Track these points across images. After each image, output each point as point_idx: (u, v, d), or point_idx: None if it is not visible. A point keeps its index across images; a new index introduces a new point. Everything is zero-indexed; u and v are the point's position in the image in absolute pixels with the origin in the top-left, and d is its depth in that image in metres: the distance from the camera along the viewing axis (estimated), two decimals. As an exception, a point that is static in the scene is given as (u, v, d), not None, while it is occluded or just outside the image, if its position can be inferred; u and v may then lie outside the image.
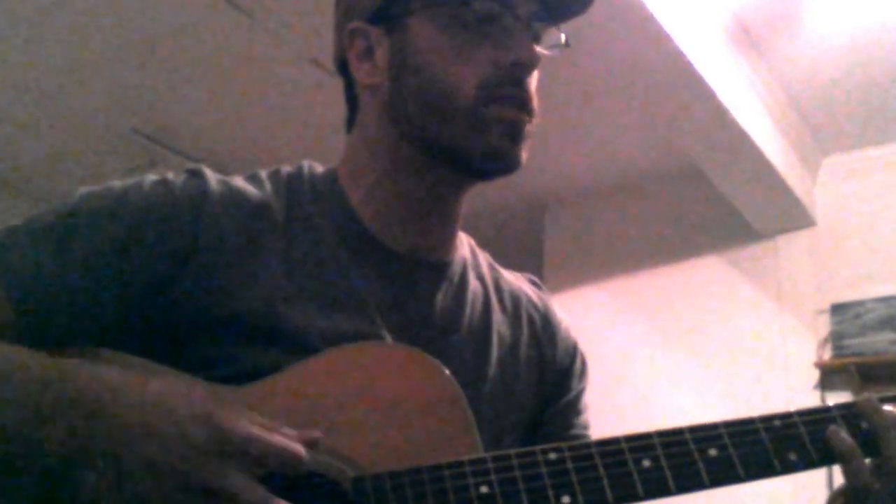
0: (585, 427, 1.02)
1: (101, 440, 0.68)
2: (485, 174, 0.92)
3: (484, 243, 1.05)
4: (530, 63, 0.89)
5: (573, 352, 1.04)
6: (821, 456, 0.83)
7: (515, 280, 1.05)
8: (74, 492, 0.67)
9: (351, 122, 0.98)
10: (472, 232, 1.04)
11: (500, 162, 0.89)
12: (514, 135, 0.89)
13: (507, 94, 0.88)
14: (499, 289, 1.02)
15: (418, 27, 0.89)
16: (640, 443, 0.80)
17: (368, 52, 0.92)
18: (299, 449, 0.71)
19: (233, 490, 0.68)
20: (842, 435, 0.83)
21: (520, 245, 4.32)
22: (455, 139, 0.89)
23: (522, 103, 0.89)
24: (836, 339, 3.64)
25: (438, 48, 0.89)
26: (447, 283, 0.96)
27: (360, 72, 0.93)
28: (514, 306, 1.01)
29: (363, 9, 0.92)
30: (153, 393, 0.71)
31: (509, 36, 0.89)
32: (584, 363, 1.05)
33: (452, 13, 0.88)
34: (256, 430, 0.70)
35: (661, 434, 0.81)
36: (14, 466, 0.67)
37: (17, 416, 0.68)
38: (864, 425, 0.84)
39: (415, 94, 0.89)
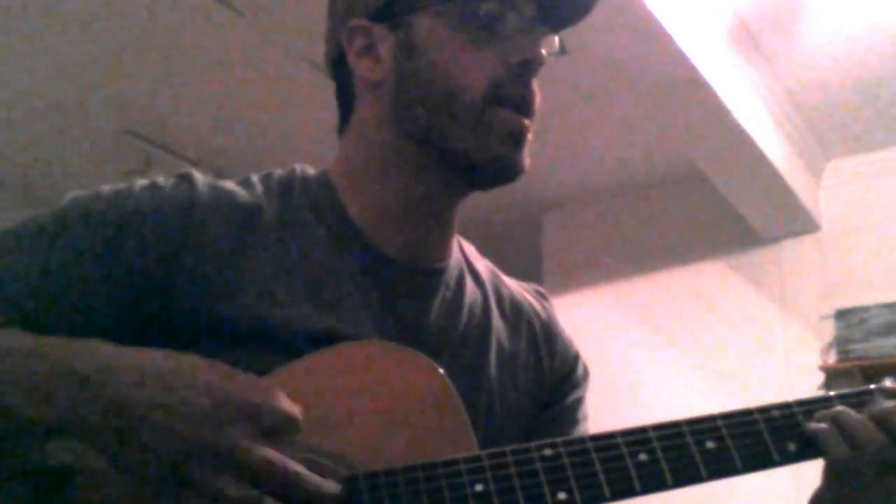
0: None
1: (102, 414, 0.69)
2: (488, 184, 0.92)
3: (482, 246, 1.05)
4: (537, 62, 0.89)
5: (573, 361, 1.03)
6: None
7: (519, 289, 1.04)
8: (72, 468, 0.68)
9: (343, 124, 0.97)
10: (471, 235, 1.03)
11: (505, 170, 0.89)
12: (517, 140, 0.89)
13: (515, 96, 0.89)
14: (499, 296, 1.00)
15: (425, 25, 0.89)
16: (637, 437, 0.79)
17: (370, 49, 0.92)
18: (296, 410, 0.73)
19: (240, 450, 0.69)
20: (813, 425, 0.83)
21: (518, 248, 4.30)
22: (459, 141, 0.88)
23: (526, 106, 0.90)
24: (840, 343, 3.63)
25: (448, 46, 0.88)
26: (442, 288, 0.95)
27: (362, 68, 0.92)
28: (515, 314, 1.00)
29: (364, 6, 0.92)
30: (152, 365, 0.73)
31: (515, 36, 0.89)
32: (585, 373, 1.04)
33: (460, 12, 0.88)
34: (256, 397, 0.72)
35: (658, 427, 0.80)
36: (9, 445, 0.69)
37: (13, 393, 0.70)
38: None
39: (423, 92, 0.89)
